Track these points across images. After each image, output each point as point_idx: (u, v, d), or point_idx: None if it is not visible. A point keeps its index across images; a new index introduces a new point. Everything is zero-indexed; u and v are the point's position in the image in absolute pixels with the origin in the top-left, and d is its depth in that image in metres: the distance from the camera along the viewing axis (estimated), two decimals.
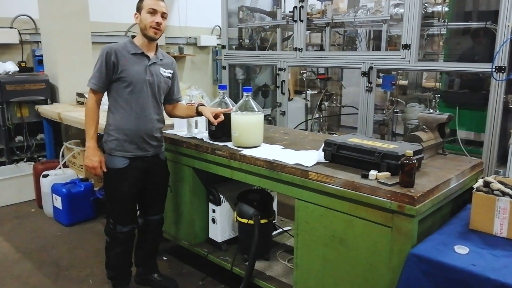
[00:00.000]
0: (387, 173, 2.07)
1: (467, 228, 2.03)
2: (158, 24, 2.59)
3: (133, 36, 2.71)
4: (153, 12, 2.57)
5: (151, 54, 2.68)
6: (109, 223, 2.79)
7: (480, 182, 2.05)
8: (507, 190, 1.93)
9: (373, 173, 2.07)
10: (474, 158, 2.64)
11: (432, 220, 2.11)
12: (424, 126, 2.55)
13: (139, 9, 2.62)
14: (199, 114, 2.83)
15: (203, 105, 2.89)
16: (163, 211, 3.00)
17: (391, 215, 1.95)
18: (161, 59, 2.75)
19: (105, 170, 2.68)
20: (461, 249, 1.82)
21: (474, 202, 2.00)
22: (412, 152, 1.98)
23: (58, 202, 4.10)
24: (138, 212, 2.96)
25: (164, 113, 2.89)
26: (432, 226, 2.10)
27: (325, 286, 2.29)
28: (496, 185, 1.95)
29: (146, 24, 2.58)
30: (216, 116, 2.74)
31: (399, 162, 2.00)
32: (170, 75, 2.80)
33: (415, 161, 1.96)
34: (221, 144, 2.82)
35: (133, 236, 2.85)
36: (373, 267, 2.06)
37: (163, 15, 2.62)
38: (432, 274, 1.76)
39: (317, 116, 5.53)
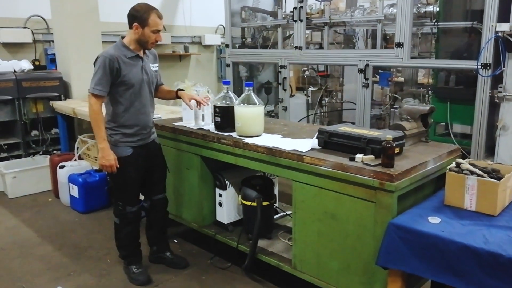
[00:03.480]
0: (372, 156, 2.36)
1: (443, 204, 2.32)
2: (158, 41, 2.88)
3: (122, 37, 2.91)
4: (157, 31, 2.83)
5: (141, 54, 2.94)
6: (118, 206, 3.06)
7: (453, 164, 2.33)
8: (475, 170, 2.22)
9: (359, 156, 2.36)
10: (453, 145, 2.90)
11: (414, 198, 2.42)
12: (408, 117, 2.83)
13: (141, 23, 2.78)
14: (178, 97, 3.21)
15: (182, 89, 3.27)
16: (165, 190, 3.29)
17: (374, 192, 2.24)
18: (148, 57, 3.02)
19: (118, 166, 2.91)
20: (434, 219, 2.11)
21: (447, 181, 2.28)
22: (392, 137, 2.27)
23: (75, 191, 4.39)
24: (143, 197, 3.24)
25: None
26: (414, 204, 2.38)
27: (319, 256, 2.59)
28: (465, 166, 2.24)
29: (148, 40, 2.83)
30: (197, 102, 3.14)
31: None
32: (157, 67, 3.11)
33: (394, 145, 2.25)
34: (225, 134, 3.11)
35: (140, 216, 3.14)
36: (360, 238, 2.36)
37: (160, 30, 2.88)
38: (408, 239, 2.04)
39: (317, 111, 5.80)
